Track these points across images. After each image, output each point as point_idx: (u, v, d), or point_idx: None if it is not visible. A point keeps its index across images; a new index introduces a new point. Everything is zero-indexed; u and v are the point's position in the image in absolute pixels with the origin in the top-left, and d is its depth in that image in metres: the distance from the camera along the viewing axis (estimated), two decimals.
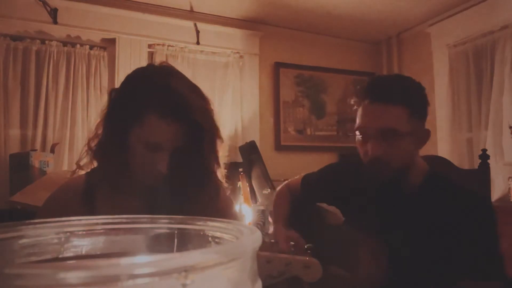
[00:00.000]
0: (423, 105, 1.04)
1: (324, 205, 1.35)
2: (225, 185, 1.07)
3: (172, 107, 0.85)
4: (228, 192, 1.08)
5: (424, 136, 1.04)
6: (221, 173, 1.01)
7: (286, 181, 1.44)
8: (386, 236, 1.01)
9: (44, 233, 0.36)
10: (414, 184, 1.05)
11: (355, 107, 1.05)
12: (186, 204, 0.86)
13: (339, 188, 1.22)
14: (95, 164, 0.95)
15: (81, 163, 0.95)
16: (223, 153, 1.02)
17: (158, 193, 0.90)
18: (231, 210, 1.09)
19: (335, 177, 1.26)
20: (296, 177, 1.40)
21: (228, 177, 1.06)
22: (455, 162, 1.49)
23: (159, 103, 0.85)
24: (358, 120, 1.03)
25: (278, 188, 1.44)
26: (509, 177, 2.54)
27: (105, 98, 0.96)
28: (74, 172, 1.00)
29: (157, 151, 0.87)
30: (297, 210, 1.33)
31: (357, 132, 1.03)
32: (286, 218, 1.31)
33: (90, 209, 0.92)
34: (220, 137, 0.99)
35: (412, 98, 1.00)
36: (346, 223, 1.22)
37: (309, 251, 1.09)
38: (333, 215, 1.28)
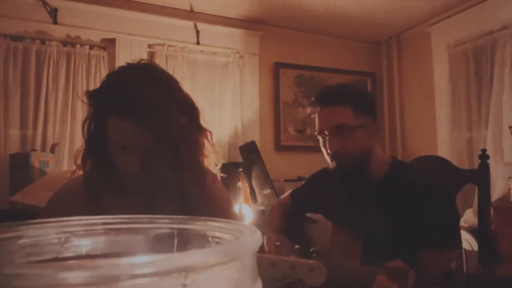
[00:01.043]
0: (367, 104, 1.23)
1: (312, 214, 1.47)
2: (216, 173, 1.06)
3: (127, 107, 0.84)
4: (215, 180, 1.06)
5: (375, 129, 1.21)
6: (209, 161, 1.02)
7: (278, 199, 1.58)
8: (358, 223, 1.16)
9: (44, 233, 0.36)
10: (377, 175, 1.19)
11: (312, 116, 1.24)
12: (174, 197, 0.88)
13: (322, 193, 1.36)
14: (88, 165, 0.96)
15: (77, 162, 0.96)
16: (213, 149, 1.02)
17: (147, 191, 0.91)
18: (224, 198, 1.09)
19: (317, 184, 1.42)
20: (286, 193, 1.54)
21: (227, 176, 1.06)
22: (455, 162, 1.49)
23: (115, 104, 0.86)
24: (316, 126, 1.21)
25: (272, 204, 1.58)
26: (509, 177, 2.54)
27: None
28: (74, 172, 1.00)
29: (127, 151, 0.88)
30: (290, 221, 1.45)
31: (318, 136, 1.22)
32: (277, 226, 1.42)
33: (92, 209, 0.92)
34: (201, 132, 0.98)
35: (355, 98, 1.20)
36: (330, 221, 1.32)
37: (314, 255, 1.12)
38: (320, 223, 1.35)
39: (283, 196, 1.56)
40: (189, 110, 0.96)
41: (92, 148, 0.93)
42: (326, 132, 1.17)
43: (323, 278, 0.92)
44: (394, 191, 1.15)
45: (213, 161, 1.05)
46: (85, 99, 0.91)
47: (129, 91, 0.86)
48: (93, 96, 0.91)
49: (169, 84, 0.93)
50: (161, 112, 0.87)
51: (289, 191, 1.52)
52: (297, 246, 1.17)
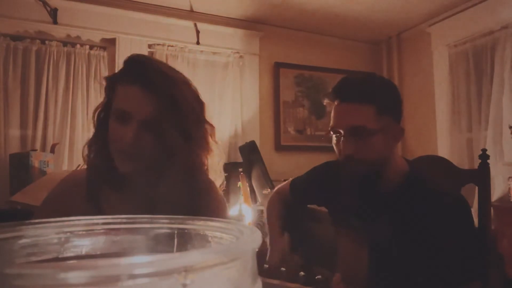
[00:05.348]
0: (393, 103, 1.06)
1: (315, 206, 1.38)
2: (219, 171, 1.03)
3: (137, 73, 0.87)
4: (211, 181, 1.02)
5: (397, 134, 1.06)
6: (213, 159, 1.00)
7: (276, 188, 1.47)
8: (367, 233, 1.06)
9: (44, 233, 0.36)
10: (393, 183, 1.07)
11: (328, 109, 1.09)
12: (172, 192, 0.87)
13: (324, 189, 1.25)
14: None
15: (84, 153, 0.96)
16: (217, 146, 1.00)
17: (144, 183, 0.90)
18: (222, 201, 1.05)
19: (319, 178, 1.29)
20: (284, 183, 1.43)
21: (228, 176, 1.04)
22: (455, 162, 1.49)
23: (126, 73, 0.88)
24: (331, 121, 1.07)
25: (270, 196, 1.48)
26: (509, 177, 2.54)
27: None
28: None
29: (127, 120, 0.86)
30: (289, 214, 1.37)
31: (331, 132, 1.08)
32: (279, 224, 1.34)
33: (91, 205, 0.92)
34: (206, 121, 0.98)
35: (379, 96, 1.03)
36: (333, 222, 1.25)
37: (319, 282, 1.12)
38: (325, 215, 1.29)
39: (281, 185, 1.45)
40: (197, 98, 0.96)
41: (99, 135, 0.93)
42: (341, 131, 1.03)
43: None
44: (412, 200, 1.04)
45: (217, 159, 1.02)
46: (92, 95, 0.93)
47: (143, 64, 0.89)
48: (109, 79, 0.92)
49: (182, 74, 0.96)
50: (170, 83, 0.88)
51: (289, 181, 1.41)
52: (302, 273, 1.15)
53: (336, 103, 1.05)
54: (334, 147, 1.09)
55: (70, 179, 1.00)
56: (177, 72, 0.95)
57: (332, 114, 1.07)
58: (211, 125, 0.99)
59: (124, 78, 0.88)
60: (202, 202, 0.93)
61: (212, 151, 0.99)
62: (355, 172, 1.05)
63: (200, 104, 0.97)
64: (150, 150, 0.87)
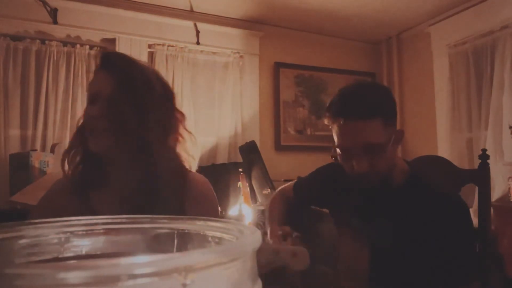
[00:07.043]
0: (393, 109, 1.06)
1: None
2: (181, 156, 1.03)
3: (107, 61, 0.97)
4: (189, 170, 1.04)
5: (399, 136, 1.06)
6: (185, 149, 1.01)
7: (280, 187, 1.48)
8: (368, 233, 1.07)
9: (44, 233, 0.36)
10: (396, 185, 1.08)
11: (330, 127, 1.06)
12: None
13: (327, 190, 1.26)
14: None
15: (65, 161, 1.00)
16: (190, 137, 1.02)
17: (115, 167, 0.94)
18: (208, 190, 1.06)
19: (323, 180, 1.30)
20: (288, 183, 1.44)
21: (228, 177, 1.05)
22: (455, 162, 1.49)
23: (99, 64, 0.99)
24: (336, 139, 1.04)
25: (273, 194, 1.48)
26: (509, 177, 2.54)
27: None
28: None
29: (95, 100, 0.93)
30: (292, 214, 1.37)
31: (338, 149, 1.05)
32: (280, 218, 1.34)
33: (82, 206, 0.95)
34: (176, 109, 1.02)
35: (383, 107, 1.01)
36: (335, 222, 1.25)
37: (297, 240, 1.13)
38: (328, 216, 1.30)
39: (285, 185, 1.45)
40: (166, 87, 1.01)
41: (78, 141, 0.98)
42: (351, 151, 1.01)
43: (306, 262, 0.93)
44: (412, 201, 1.05)
45: (188, 145, 1.02)
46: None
47: (111, 54, 1.01)
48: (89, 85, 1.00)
49: (152, 67, 1.05)
50: (133, 66, 0.96)
51: (293, 181, 1.41)
52: (296, 234, 1.16)
53: (340, 121, 1.00)
54: (340, 161, 1.06)
55: (62, 182, 1.02)
56: (147, 64, 1.04)
57: (336, 132, 1.02)
58: (182, 113, 1.03)
59: (95, 71, 0.98)
60: (164, 180, 0.93)
61: (183, 138, 1.01)
62: (369, 184, 1.05)
63: (169, 93, 1.02)
64: (114, 126, 0.91)
